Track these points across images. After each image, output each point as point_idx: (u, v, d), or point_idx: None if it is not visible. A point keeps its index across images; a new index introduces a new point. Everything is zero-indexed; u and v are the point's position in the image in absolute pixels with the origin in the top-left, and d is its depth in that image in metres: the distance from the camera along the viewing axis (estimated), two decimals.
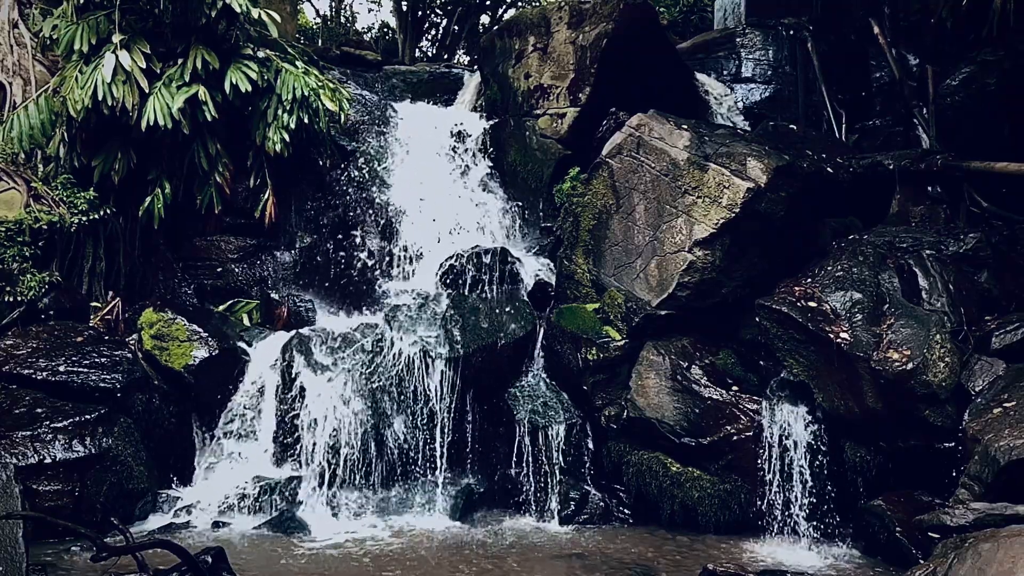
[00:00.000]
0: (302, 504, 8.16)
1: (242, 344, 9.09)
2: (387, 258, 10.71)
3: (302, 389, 8.65)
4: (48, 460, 7.32)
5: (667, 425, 8.07)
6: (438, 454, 8.61)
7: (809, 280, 8.09)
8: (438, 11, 21.76)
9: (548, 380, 9.05)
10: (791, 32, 13.35)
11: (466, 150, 12.01)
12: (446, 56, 21.25)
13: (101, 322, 9.24)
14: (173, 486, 8.37)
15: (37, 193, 9.55)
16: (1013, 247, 8.43)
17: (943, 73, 10.68)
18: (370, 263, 10.68)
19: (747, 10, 14.29)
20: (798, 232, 8.68)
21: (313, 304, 10.12)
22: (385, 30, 23.28)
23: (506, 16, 20.82)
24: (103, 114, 9.27)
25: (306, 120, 10.11)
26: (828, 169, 8.96)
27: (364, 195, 11.13)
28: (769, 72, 13.28)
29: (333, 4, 24.13)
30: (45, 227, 9.26)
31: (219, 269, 10.35)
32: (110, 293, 9.67)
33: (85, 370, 8.09)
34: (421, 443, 8.62)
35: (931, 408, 7.03)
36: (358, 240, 10.83)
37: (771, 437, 7.68)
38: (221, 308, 9.88)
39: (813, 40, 13.04)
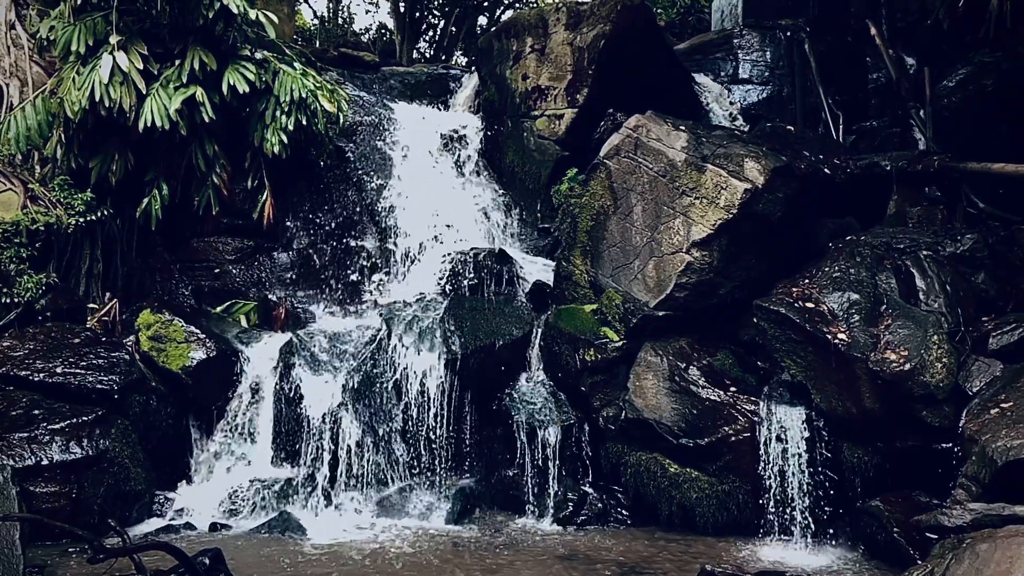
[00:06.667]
0: (300, 506, 8.16)
1: (240, 345, 9.07)
2: (385, 259, 10.71)
3: (300, 390, 8.66)
4: (45, 462, 7.31)
5: (665, 426, 8.07)
6: (436, 455, 8.61)
7: (807, 281, 8.09)
8: (435, 12, 21.80)
9: (546, 381, 9.04)
10: (788, 33, 13.36)
11: (463, 151, 12.01)
12: (444, 57, 21.28)
13: (98, 323, 9.23)
14: (171, 488, 8.36)
15: (34, 194, 9.54)
16: (1010, 248, 8.42)
17: (940, 74, 10.69)
18: (368, 264, 10.67)
19: (744, 11, 14.32)
20: (796, 233, 8.68)
21: (311, 305, 10.11)
22: (383, 31, 23.31)
23: (504, 17, 20.84)
24: (100, 115, 9.25)
25: (304, 121, 10.09)
26: (825, 170, 8.96)
27: (362, 196, 11.12)
28: (766, 73, 13.28)
29: (331, 5, 24.14)
30: (42, 228, 9.24)
31: (217, 270, 10.33)
32: (107, 294, 9.65)
33: (82, 371, 8.08)
34: (419, 444, 8.62)
35: (929, 409, 7.04)
36: (356, 241, 10.83)
37: (769, 438, 7.68)
38: (219, 309, 9.86)
39: (810, 41, 13.04)
